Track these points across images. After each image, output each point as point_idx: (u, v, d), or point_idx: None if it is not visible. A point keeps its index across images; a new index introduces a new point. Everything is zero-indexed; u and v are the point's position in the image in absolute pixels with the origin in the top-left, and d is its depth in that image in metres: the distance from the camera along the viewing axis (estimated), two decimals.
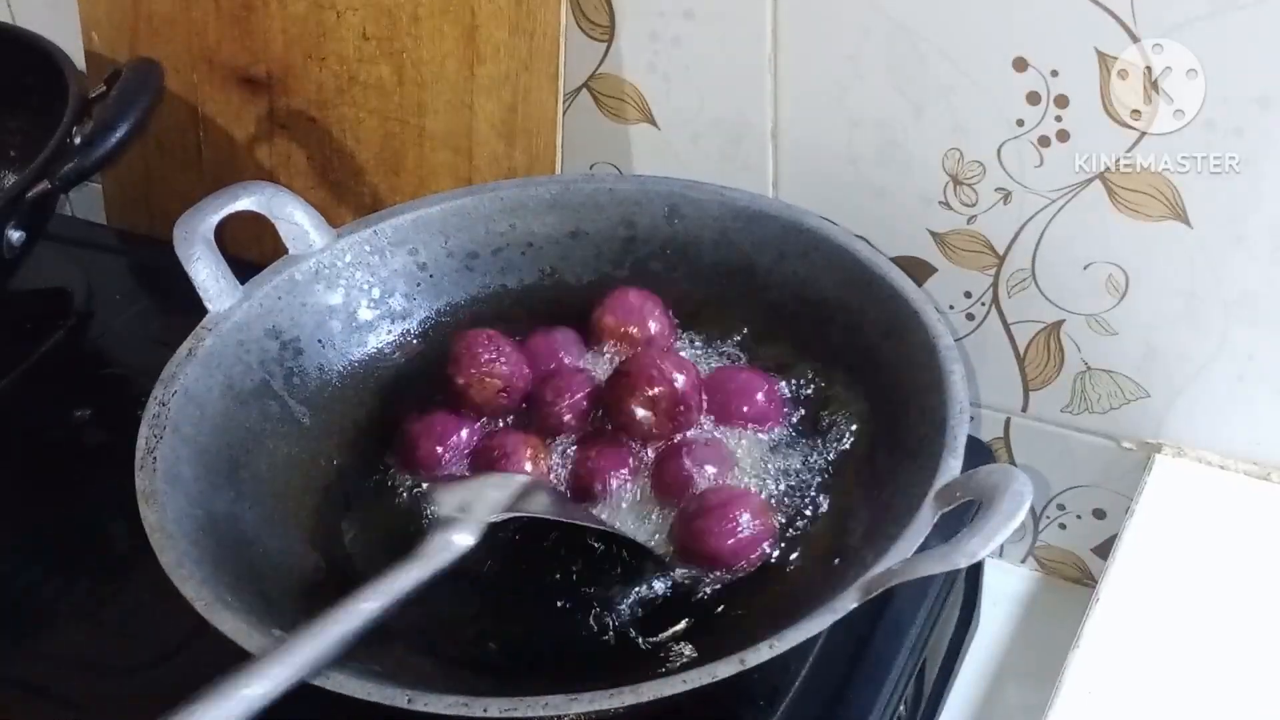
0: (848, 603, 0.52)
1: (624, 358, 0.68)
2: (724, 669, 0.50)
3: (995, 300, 0.75)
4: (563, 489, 0.64)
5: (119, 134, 0.75)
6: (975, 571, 0.75)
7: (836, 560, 0.59)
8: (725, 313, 0.72)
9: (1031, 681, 0.73)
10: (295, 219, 0.70)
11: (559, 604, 0.60)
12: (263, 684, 0.48)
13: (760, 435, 0.66)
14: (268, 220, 0.69)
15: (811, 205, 0.72)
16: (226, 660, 0.52)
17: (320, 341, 0.71)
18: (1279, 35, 0.61)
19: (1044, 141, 0.68)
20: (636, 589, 0.60)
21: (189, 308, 0.67)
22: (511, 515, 0.58)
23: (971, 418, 0.61)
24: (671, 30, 0.75)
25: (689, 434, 0.65)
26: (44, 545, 0.72)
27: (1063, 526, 0.82)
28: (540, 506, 0.60)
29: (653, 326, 0.70)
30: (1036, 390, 0.77)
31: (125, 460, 0.60)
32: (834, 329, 0.68)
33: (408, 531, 0.63)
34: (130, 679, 0.64)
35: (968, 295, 0.76)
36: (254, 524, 0.62)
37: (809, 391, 0.68)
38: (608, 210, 0.73)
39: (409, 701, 0.50)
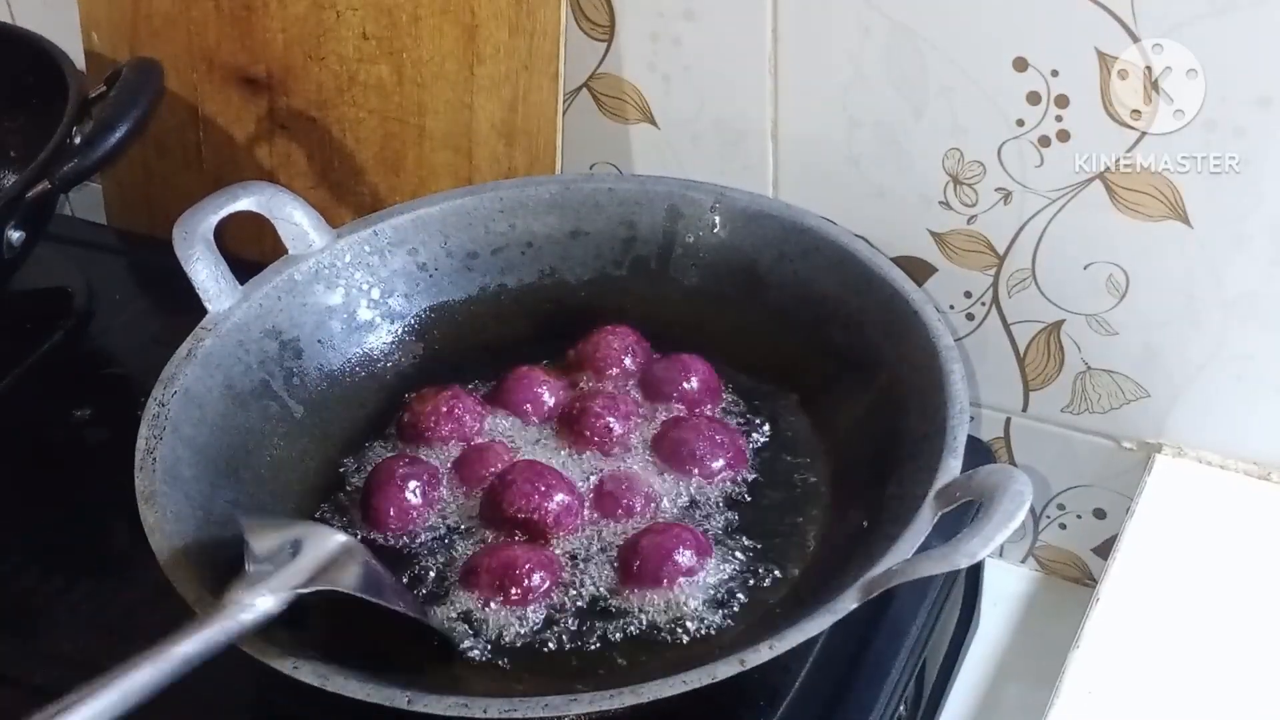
0: (848, 603, 0.52)
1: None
2: (724, 669, 0.50)
3: (995, 300, 0.75)
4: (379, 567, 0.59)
5: (119, 134, 0.75)
6: (975, 571, 0.75)
7: (835, 562, 0.59)
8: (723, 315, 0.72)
9: (1031, 681, 0.73)
10: (295, 219, 0.70)
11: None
12: None
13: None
14: (268, 220, 0.69)
15: (811, 205, 0.72)
16: (226, 660, 0.52)
17: (320, 341, 0.71)
18: (1279, 35, 0.61)
19: (1044, 141, 0.68)
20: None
21: (189, 308, 0.67)
22: (318, 589, 0.53)
23: (971, 418, 0.61)
24: (671, 30, 0.75)
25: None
26: (44, 545, 0.72)
27: (1063, 526, 0.82)
28: (351, 582, 0.54)
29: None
30: (1036, 390, 0.77)
31: (125, 460, 0.60)
32: (834, 329, 0.68)
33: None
34: None
35: (968, 295, 0.76)
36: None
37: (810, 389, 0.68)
38: (608, 210, 0.73)
39: (409, 702, 0.50)
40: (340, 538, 0.57)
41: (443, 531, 0.64)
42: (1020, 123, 0.68)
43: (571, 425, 0.67)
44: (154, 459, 0.60)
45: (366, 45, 0.81)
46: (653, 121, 0.79)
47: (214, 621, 0.51)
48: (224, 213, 0.67)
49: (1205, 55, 0.63)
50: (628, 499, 0.63)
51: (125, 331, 0.85)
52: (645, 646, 0.58)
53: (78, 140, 0.75)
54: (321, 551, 0.55)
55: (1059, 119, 0.67)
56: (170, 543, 0.56)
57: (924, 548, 0.53)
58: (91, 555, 0.71)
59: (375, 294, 0.72)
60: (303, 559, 0.54)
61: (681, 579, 0.60)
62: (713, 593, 0.60)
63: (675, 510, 0.64)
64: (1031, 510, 0.76)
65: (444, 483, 0.66)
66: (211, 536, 0.59)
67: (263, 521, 0.57)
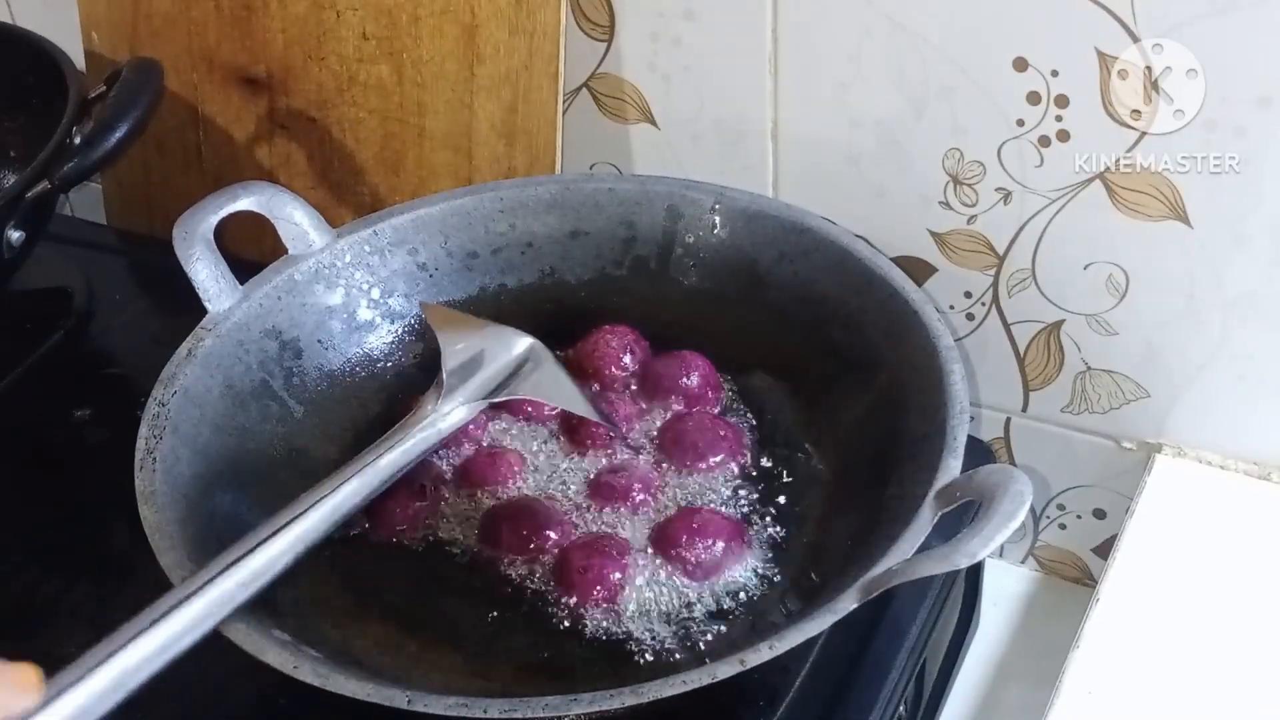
0: (847, 603, 0.52)
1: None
2: (724, 669, 0.50)
3: (995, 300, 0.75)
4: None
5: (119, 134, 0.75)
6: (975, 571, 0.75)
7: (835, 562, 0.59)
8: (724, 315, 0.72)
9: (1031, 681, 0.73)
10: (295, 219, 0.70)
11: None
12: (261, 557, 0.51)
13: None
14: (268, 220, 0.69)
15: (811, 205, 0.72)
16: (226, 660, 0.52)
17: (320, 342, 0.71)
18: (1279, 35, 0.61)
19: (1044, 141, 0.68)
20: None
21: (189, 308, 0.67)
22: (506, 398, 0.59)
23: (971, 418, 0.61)
24: (671, 30, 0.75)
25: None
26: (44, 545, 0.72)
27: (1063, 526, 0.82)
28: (535, 390, 0.60)
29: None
30: (1036, 390, 0.77)
31: (125, 460, 0.60)
32: (834, 329, 0.68)
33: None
34: None
35: (968, 295, 0.76)
36: (254, 525, 0.62)
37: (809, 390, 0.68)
38: (608, 210, 0.73)
39: (409, 702, 0.50)
40: (524, 342, 0.62)
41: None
42: (1020, 123, 0.68)
43: (573, 433, 0.67)
44: (154, 459, 0.60)
45: (366, 45, 0.81)
46: (653, 121, 0.79)
47: (415, 431, 0.56)
48: (224, 213, 0.67)
49: (1205, 55, 0.63)
50: (626, 484, 0.64)
51: (125, 331, 0.85)
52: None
53: (78, 140, 0.75)
54: (509, 357, 0.60)
55: (1059, 119, 0.67)
56: (171, 543, 0.56)
57: (924, 548, 0.53)
58: (91, 555, 0.71)
59: (375, 294, 0.72)
60: (491, 368, 0.59)
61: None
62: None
63: (676, 504, 0.64)
64: (1031, 510, 0.76)
65: (449, 486, 0.66)
66: (212, 537, 0.59)
67: (451, 321, 0.61)
